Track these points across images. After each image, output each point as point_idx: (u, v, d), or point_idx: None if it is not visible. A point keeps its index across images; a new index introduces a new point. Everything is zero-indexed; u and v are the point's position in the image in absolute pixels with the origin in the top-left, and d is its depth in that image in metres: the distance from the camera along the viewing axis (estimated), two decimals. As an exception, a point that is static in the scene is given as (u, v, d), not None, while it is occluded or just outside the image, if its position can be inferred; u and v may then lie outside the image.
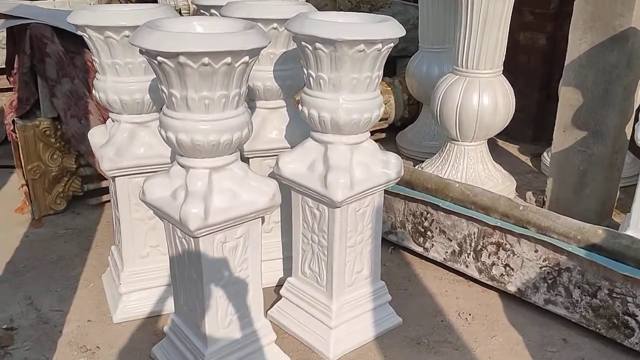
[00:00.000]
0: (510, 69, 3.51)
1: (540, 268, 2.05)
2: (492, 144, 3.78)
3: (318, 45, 1.60)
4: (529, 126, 3.85)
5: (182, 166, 1.59)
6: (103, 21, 1.75)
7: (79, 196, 2.94)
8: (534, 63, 3.75)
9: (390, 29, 1.61)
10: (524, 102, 3.74)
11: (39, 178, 2.78)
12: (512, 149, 3.83)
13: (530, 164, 3.59)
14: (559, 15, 3.59)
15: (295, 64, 2.07)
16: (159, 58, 1.39)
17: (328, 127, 1.73)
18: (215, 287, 1.66)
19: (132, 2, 3.76)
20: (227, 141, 1.51)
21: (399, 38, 1.67)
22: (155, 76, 1.86)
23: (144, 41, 1.39)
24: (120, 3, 3.72)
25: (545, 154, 3.47)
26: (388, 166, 1.84)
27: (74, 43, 2.71)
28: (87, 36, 1.80)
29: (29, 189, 2.81)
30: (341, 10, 4.42)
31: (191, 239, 1.60)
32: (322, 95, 1.71)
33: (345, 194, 1.71)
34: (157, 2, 3.41)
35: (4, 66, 3.39)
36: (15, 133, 2.75)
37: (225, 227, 1.59)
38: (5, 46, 3.33)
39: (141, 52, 1.45)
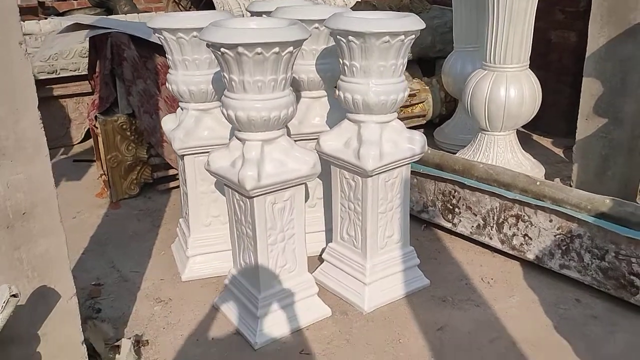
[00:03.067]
0: (543, 67, 3.72)
1: (555, 236, 2.28)
2: (526, 137, 4.00)
3: (350, 38, 1.92)
4: (562, 120, 4.03)
5: (239, 140, 1.94)
6: (176, 24, 2.14)
7: (149, 183, 3.36)
8: (565, 60, 3.94)
9: (411, 23, 1.91)
10: (556, 98, 3.94)
11: (117, 166, 3.22)
12: (546, 142, 4.02)
13: (563, 156, 3.77)
14: (588, 12, 3.76)
15: (334, 58, 2.38)
16: (222, 49, 1.75)
17: (360, 108, 2.04)
18: (266, 243, 1.99)
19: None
20: (275, 117, 1.85)
21: (420, 31, 1.97)
22: (217, 70, 2.25)
23: (210, 36, 1.75)
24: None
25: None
26: (413, 142, 2.13)
27: (146, 49, 3.14)
28: (163, 37, 2.19)
29: (107, 177, 3.25)
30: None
31: (247, 200, 1.94)
32: (355, 80, 2.03)
33: (375, 164, 2.01)
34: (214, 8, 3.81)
35: (85, 72, 3.88)
36: (97, 127, 3.20)
37: (275, 190, 1.92)
38: (86, 55, 3.84)
39: (208, 45, 1.81)
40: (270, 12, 2.40)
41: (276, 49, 1.74)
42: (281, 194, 1.96)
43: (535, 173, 3.16)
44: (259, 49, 1.71)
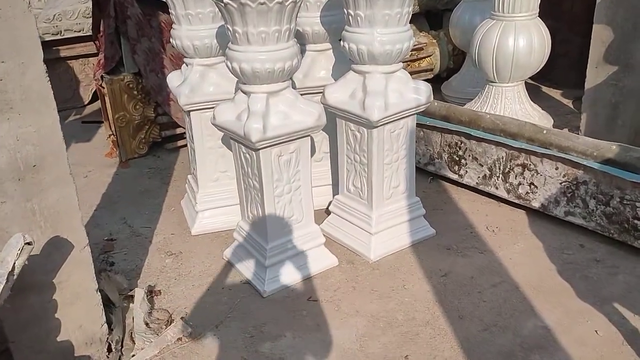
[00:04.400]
0: (555, 16, 3.64)
1: (561, 184, 2.29)
2: (536, 89, 3.96)
3: (354, -15, 1.90)
4: (572, 71, 3.96)
5: (244, 93, 1.95)
6: (177, -22, 2.12)
7: (157, 142, 3.39)
8: (577, 9, 3.85)
9: (414, -31, 1.88)
10: (567, 48, 3.87)
11: (125, 126, 3.24)
12: (556, 94, 3.97)
13: (572, 107, 3.73)
14: (601, -41, 3.67)
15: (339, 9, 2.36)
16: (224, 0, 1.74)
17: (365, 58, 2.03)
18: (273, 194, 2.02)
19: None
20: (280, 69, 1.85)
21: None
22: (220, 24, 2.24)
23: (212, -13, 1.74)
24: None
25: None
26: (419, 92, 2.12)
27: (149, 7, 3.12)
28: (165, -9, 2.17)
29: (116, 137, 3.28)
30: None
31: (253, 152, 1.96)
32: (359, 30, 2.01)
33: (381, 114, 2.01)
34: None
35: (90, 33, 3.87)
36: (104, 87, 3.22)
37: (280, 142, 1.94)
38: (90, 15, 3.82)
39: (210, -3, 1.80)
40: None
41: (278, -1, 1.72)
42: (287, 146, 1.98)
43: (543, 124, 3.13)
44: (261, -1, 1.70)
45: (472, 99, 3.48)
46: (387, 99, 2.04)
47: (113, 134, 3.39)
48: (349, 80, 2.14)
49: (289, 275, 2.11)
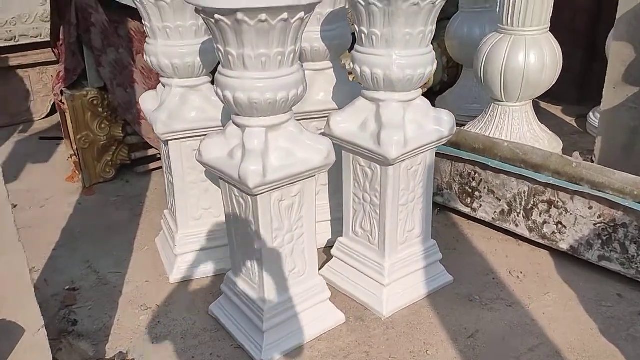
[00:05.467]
0: (554, 28, 3.40)
1: (595, 225, 2.02)
2: (534, 105, 3.71)
3: (371, 0, 1.58)
4: (573, 87, 3.76)
5: (238, 126, 1.61)
6: (154, -16, 1.77)
7: (126, 164, 3.00)
8: (579, 21, 3.64)
9: (445, -19, 1.58)
10: (568, 62, 3.61)
11: (89, 147, 2.85)
12: (556, 110, 3.75)
13: (576, 125, 3.51)
14: (605, -32, 3.46)
15: (341, 23, 2.05)
16: (216, 16, 1.40)
17: (381, 85, 1.72)
18: (271, 245, 1.69)
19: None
20: (283, 99, 1.52)
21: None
22: (205, 39, 1.89)
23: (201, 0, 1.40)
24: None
25: (591, 114, 3.39)
26: (440, 123, 1.83)
27: (116, 13, 2.74)
28: (139, 0, 1.81)
29: (79, 158, 2.88)
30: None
31: (248, 197, 1.62)
32: (374, 52, 1.69)
33: (400, 151, 1.70)
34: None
35: (48, 39, 3.45)
36: (64, 103, 2.82)
37: (282, 185, 1.61)
38: (49, 19, 3.40)
39: (197, 11, 1.46)
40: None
41: (284, 15, 1.39)
42: (289, 189, 1.65)
43: (553, 148, 2.89)
44: (263, 16, 1.37)
45: (470, 116, 3.22)
46: (406, 133, 1.73)
47: (75, 154, 2.99)
48: (359, 109, 1.83)
49: (290, 340, 1.78)
